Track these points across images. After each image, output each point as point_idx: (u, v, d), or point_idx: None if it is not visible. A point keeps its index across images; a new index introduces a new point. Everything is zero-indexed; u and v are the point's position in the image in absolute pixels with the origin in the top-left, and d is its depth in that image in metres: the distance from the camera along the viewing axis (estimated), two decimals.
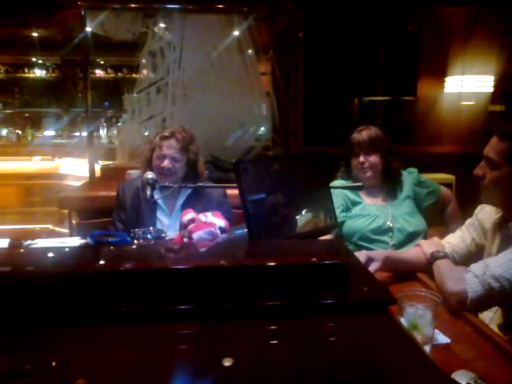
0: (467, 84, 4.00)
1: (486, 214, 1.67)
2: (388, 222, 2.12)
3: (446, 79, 4.09)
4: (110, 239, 1.61)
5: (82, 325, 0.71)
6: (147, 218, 2.18)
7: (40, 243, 1.77)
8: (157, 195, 2.13)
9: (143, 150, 2.32)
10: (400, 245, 2.09)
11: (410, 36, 4.18)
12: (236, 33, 3.63)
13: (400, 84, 4.30)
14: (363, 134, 2.20)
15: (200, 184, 2.18)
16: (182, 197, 2.26)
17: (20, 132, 5.67)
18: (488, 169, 1.51)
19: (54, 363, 0.63)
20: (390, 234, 2.11)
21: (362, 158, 2.18)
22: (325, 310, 0.78)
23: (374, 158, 2.18)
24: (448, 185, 2.99)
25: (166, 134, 2.21)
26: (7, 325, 0.70)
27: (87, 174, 3.65)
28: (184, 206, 2.19)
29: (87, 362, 0.63)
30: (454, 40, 4.04)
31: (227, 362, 0.59)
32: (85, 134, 4.01)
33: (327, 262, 0.86)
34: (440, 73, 4.09)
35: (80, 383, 0.55)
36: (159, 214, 2.23)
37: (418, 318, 1.11)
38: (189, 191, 2.25)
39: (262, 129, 3.81)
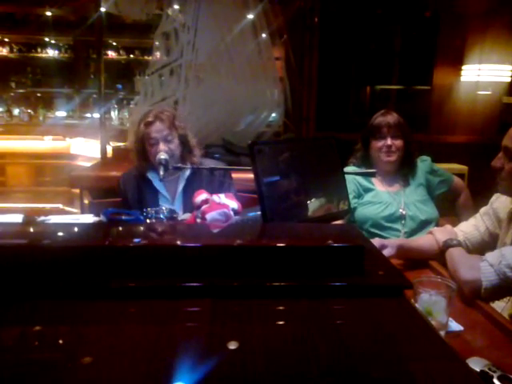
0: (484, 73, 3.93)
1: (502, 203, 1.65)
2: (400, 210, 2.11)
3: (463, 68, 4.02)
4: (123, 217, 1.61)
5: (93, 299, 0.71)
6: (150, 206, 2.17)
7: (53, 220, 1.78)
8: (157, 183, 2.13)
9: (132, 146, 2.29)
10: (412, 232, 2.08)
11: (428, 22, 4.10)
12: (250, 16, 3.59)
13: (416, 72, 4.23)
14: (390, 117, 2.16)
15: (212, 166, 2.17)
16: (182, 181, 2.24)
17: (32, 112, 5.68)
18: (507, 160, 1.49)
19: (62, 338, 0.63)
20: (403, 221, 2.09)
21: (389, 141, 2.14)
22: (340, 293, 0.77)
23: (399, 142, 2.15)
24: (461, 175, 2.95)
25: (149, 119, 2.17)
26: (18, 297, 0.71)
27: (98, 155, 3.66)
28: (185, 190, 2.19)
29: (95, 337, 0.63)
30: (472, 27, 3.95)
31: (232, 346, 0.58)
32: (96, 115, 4.02)
33: (343, 245, 0.85)
34: (457, 61, 4.01)
35: (87, 361, 0.55)
36: (161, 202, 2.23)
37: (432, 304, 1.10)
38: (187, 174, 2.24)
39: (274, 115, 3.77)
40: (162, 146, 2.13)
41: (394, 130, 2.14)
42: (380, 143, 2.16)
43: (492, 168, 1.53)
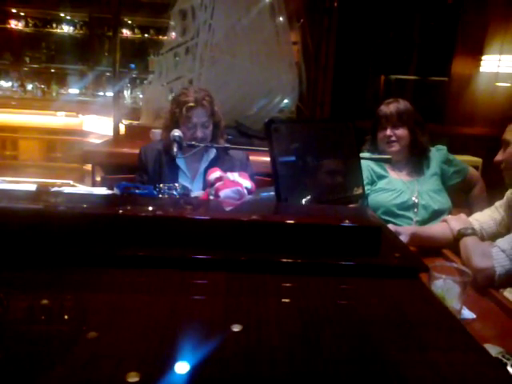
0: (505, 64, 3.85)
1: None
2: (413, 198, 2.09)
3: (483, 58, 3.94)
4: (136, 191, 1.61)
5: (103, 267, 0.71)
6: (169, 182, 2.16)
7: (67, 191, 1.77)
8: (180, 156, 2.11)
9: (165, 119, 2.27)
10: (424, 221, 2.06)
11: (449, 10, 4.02)
12: None
13: (434, 62, 4.16)
14: (391, 107, 2.15)
15: (227, 145, 2.15)
16: (205, 161, 2.24)
17: (45, 87, 5.68)
18: (503, 151, 1.54)
19: (68, 310, 0.63)
20: (415, 210, 2.08)
21: (388, 131, 2.13)
22: (356, 272, 0.77)
23: (401, 131, 2.14)
24: (474, 168, 2.91)
25: (192, 103, 2.14)
26: (27, 264, 0.70)
27: (110, 133, 3.66)
28: (207, 171, 2.18)
29: (101, 307, 0.62)
30: (493, 16, 3.87)
31: (236, 328, 0.57)
32: (109, 93, 4.00)
33: (361, 225, 0.84)
34: (476, 51, 3.93)
35: (92, 336, 0.54)
36: (181, 179, 2.21)
37: (446, 290, 1.09)
38: (212, 156, 2.24)
39: (286, 101, 3.74)
40: (199, 133, 2.13)
41: (393, 119, 2.14)
42: (381, 134, 2.17)
43: (495, 163, 1.55)
